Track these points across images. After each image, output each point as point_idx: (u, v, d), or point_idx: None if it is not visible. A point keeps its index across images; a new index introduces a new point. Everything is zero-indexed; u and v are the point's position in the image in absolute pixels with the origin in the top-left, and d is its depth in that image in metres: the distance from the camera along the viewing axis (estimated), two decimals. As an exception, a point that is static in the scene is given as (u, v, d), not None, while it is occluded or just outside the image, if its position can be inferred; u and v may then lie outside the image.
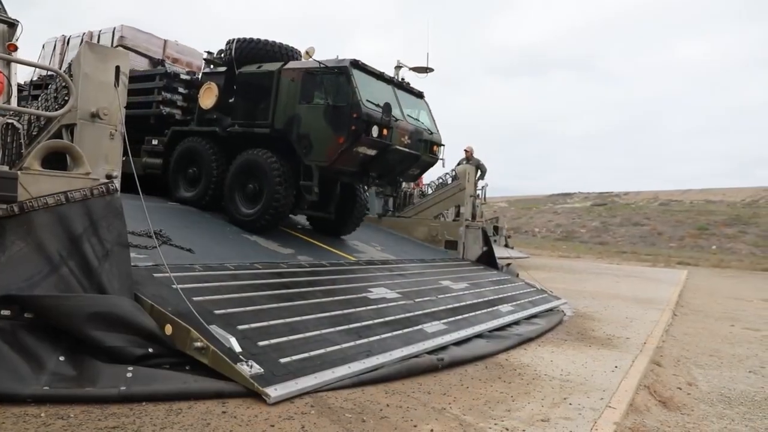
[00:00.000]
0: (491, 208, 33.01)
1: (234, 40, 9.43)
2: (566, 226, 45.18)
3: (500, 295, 9.13)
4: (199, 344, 4.42)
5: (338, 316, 5.90)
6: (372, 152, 8.30)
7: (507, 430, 4.15)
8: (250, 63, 9.25)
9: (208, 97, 9.49)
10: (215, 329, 4.61)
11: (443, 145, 9.80)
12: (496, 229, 18.68)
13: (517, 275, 11.76)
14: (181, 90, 10.50)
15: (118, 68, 5.42)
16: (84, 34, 12.07)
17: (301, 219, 11.07)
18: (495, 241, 16.15)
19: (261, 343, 4.71)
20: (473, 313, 7.49)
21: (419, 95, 9.76)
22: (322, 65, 8.25)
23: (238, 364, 4.27)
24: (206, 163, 9.35)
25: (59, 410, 3.67)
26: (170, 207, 9.23)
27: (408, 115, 9.04)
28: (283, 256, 7.90)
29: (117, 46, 10.60)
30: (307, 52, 8.07)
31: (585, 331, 8.29)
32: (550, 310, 9.37)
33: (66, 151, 5.08)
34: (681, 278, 18.18)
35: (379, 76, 8.81)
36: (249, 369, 4.24)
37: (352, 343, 5.28)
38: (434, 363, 5.43)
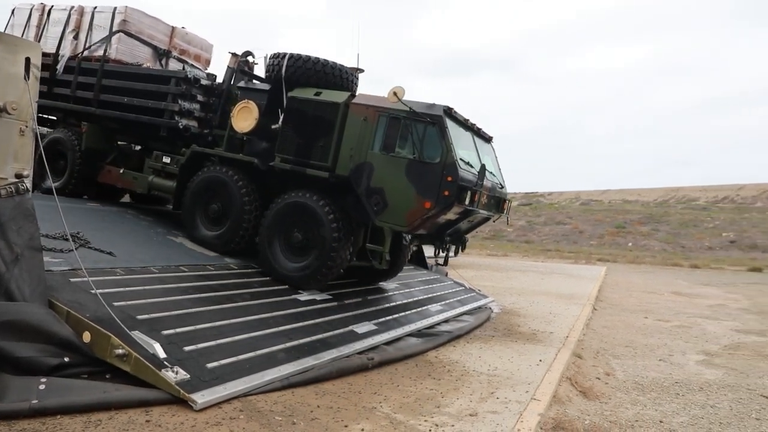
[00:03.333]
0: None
1: (285, 55, 7.94)
2: (493, 226, 46.50)
3: (430, 295, 9.28)
4: (120, 351, 4.23)
5: (268, 318, 5.81)
6: (455, 217, 7.16)
7: (437, 426, 4.23)
8: (302, 85, 7.83)
9: (244, 119, 7.95)
10: (138, 335, 4.43)
11: (510, 200, 8.55)
12: None
13: (446, 274, 11.98)
14: (199, 98, 8.90)
15: (28, 60, 5.08)
16: (72, 8, 10.13)
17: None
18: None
19: (187, 348, 4.57)
20: (403, 313, 7.58)
21: (489, 140, 8.40)
22: (411, 110, 6.86)
23: (163, 370, 4.12)
24: (236, 200, 7.78)
25: (-38, 428, 3.42)
26: (89, 208, 8.79)
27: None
28: (211, 258, 7.69)
29: (118, 31, 9.51)
30: (394, 93, 6.67)
31: (511, 327, 8.57)
32: (479, 308, 9.61)
33: (-30, 148, 4.73)
34: (600, 274, 19.10)
35: (464, 124, 7.48)
36: (174, 375, 4.11)
37: (281, 346, 5.21)
38: (365, 363, 5.46)
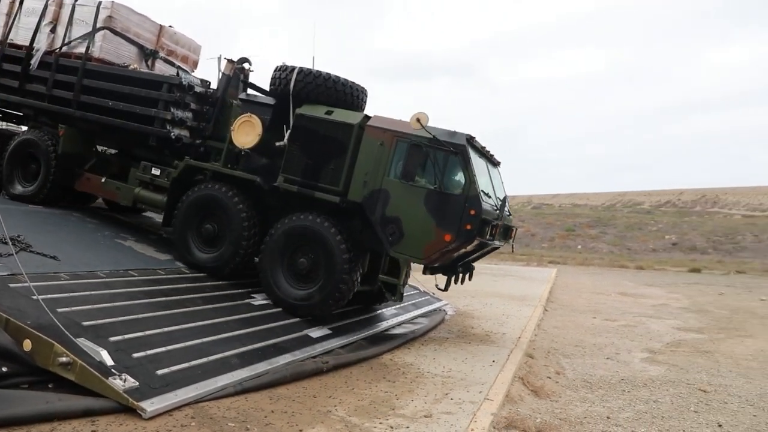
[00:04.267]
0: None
1: (294, 69, 7.40)
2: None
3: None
4: (64, 359, 4.07)
5: (221, 323, 5.71)
6: (471, 249, 6.94)
7: (392, 428, 4.25)
8: (311, 102, 7.35)
9: (246, 134, 7.37)
10: (83, 342, 4.27)
11: (516, 228, 8.25)
12: None
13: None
14: (192, 106, 8.20)
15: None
16: None
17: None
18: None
19: (136, 355, 4.44)
20: (358, 317, 7.57)
21: (497, 164, 8.07)
22: (434, 138, 6.53)
23: (110, 378, 3.99)
24: (234, 221, 7.23)
25: None
26: (31, 210, 8.42)
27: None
28: (161, 261, 7.50)
29: (102, 28, 8.78)
30: (417, 119, 6.32)
31: (465, 329, 8.69)
32: (433, 310, 9.70)
33: None
34: (551, 276, 19.58)
35: (480, 151, 7.15)
36: (122, 383, 3.98)
37: (234, 351, 5.13)
38: (319, 367, 5.43)
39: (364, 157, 6.85)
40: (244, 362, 5.01)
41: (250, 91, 8.75)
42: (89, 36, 8.76)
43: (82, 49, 8.82)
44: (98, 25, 8.76)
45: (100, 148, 9.76)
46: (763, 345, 9.17)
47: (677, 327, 10.83)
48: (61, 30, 9.04)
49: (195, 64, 10.41)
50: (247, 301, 6.78)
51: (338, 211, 6.90)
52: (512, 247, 8.24)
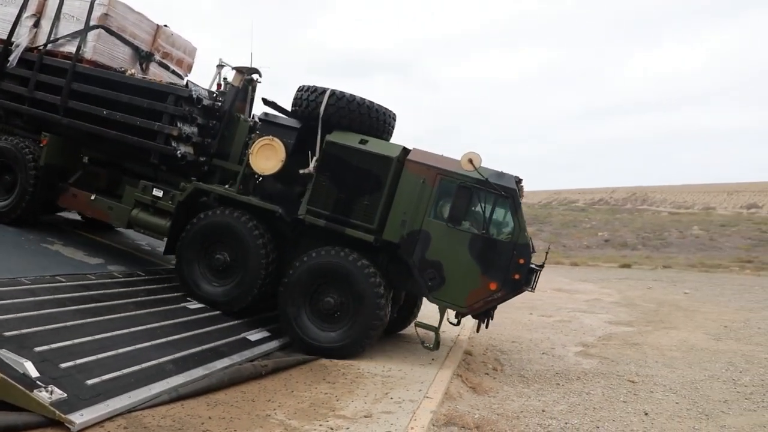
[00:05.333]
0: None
1: (326, 91, 6.79)
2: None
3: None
4: (-17, 373, 3.85)
5: (155, 329, 5.55)
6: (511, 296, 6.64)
7: (331, 429, 4.24)
8: (342, 128, 6.79)
9: (267, 158, 6.76)
10: (5, 354, 4.06)
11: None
12: None
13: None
14: (198, 120, 7.44)
15: None
16: None
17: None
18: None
19: (64, 365, 4.25)
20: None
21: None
22: (486, 181, 6.16)
23: (35, 391, 3.80)
24: (251, 253, 6.61)
25: None
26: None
27: None
28: (92, 266, 7.19)
29: (97, 27, 7.90)
30: (470, 160, 5.98)
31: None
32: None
33: None
34: (490, 273, 19.99)
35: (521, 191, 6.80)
36: (48, 395, 3.80)
37: (170, 357, 5.00)
38: (258, 370, 5.35)
39: (403, 194, 6.45)
40: (179, 368, 4.89)
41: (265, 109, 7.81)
42: (81, 34, 7.88)
43: (70, 48, 7.94)
44: (92, 22, 7.87)
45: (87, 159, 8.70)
46: (685, 335, 9.71)
47: (609, 321, 11.31)
48: (46, 24, 8.12)
49: (189, 68, 9.67)
50: (182, 304, 6.63)
51: (363, 244, 6.47)
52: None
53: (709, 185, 52.52)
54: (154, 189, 7.47)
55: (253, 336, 6.27)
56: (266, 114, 7.29)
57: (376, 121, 6.90)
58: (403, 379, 5.76)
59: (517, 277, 6.08)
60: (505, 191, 6.18)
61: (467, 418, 4.85)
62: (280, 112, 7.42)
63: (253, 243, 6.62)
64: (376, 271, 6.33)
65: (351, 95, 6.80)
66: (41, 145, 8.01)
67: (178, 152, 7.15)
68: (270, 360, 5.75)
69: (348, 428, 4.28)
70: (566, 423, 5.21)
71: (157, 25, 8.83)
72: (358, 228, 6.45)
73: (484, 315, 6.75)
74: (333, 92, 6.76)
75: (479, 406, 5.45)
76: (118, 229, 9.51)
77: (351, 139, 6.67)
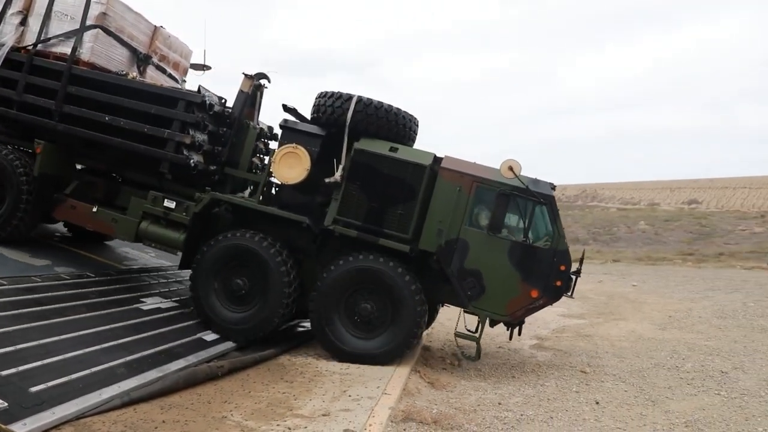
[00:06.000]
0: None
1: (352, 98, 6.61)
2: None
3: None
4: None
5: (105, 332, 5.39)
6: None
7: (289, 429, 4.21)
8: (369, 135, 6.63)
9: (291, 167, 6.54)
10: (-59, 362, 3.86)
11: None
12: None
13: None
14: (210, 127, 7.11)
15: None
16: None
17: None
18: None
19: (5, 373, 4.07)
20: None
21: None
22: (526, 188, 6.19)
23: (-26, 400, 3.63)
24: (273, 278, 6.33)
25: None
26: None
27: None
28: (37, 268, 6.90)
29: (95, 27, 7.37)
30: (510, 168, 5.96)
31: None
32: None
33: None
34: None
35: None
36: (-11, 404, 3.63)
37: (121, 360, 4.87)
38: (214, 371, 5.26)
39: (438, 202, 6.38)
40: (132, 371, 4.78)
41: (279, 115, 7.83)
42: (77, 34, 7.38)
43: (63, 49, 7.44)
44: (89, 22, 7.41)
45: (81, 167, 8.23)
46: (633, 326, 10.05)
47: (562, 314, 11.59)
48: (33, 23, 7.57)
49: (185, 72, 9.21)
50: (135, 306, 6.48)
51: (392, 252, 6.37)
52: None
53: (653, 182, 54.57)
54: (166, 200, 7.02)
55: (209, 336, 6.17)
56: (286, 120, 7.04)
57: (403, 127, 6.79)
58: (361, 377, 5.76)
59: (558, 284, 6.17)
60: (544, 198, 6.23)
61: (425, 413, 4.89)
62: (297, 118, 7.22)
63: (275, 267, 6.36)
64: (417, 280, 6.29)
65: (378, 102, 6.66)
66: (36, 152, 7.40)
67: (192, 161, 6.80)
68: (226, 360, 5.66)
69: (306, 427, 4.26)
70: (522, 414, 5.31)
71: (155, 26, 8.41)
72: (392, 238, 6.37)
73: (517, 321, 6.75)
74: (360, 98, 6.61)
75: (437, 401, 5.50)
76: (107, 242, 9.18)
77: (380, 147, 6.57)
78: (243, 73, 7.34)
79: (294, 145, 6.62)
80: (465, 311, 7.04)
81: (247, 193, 7.57)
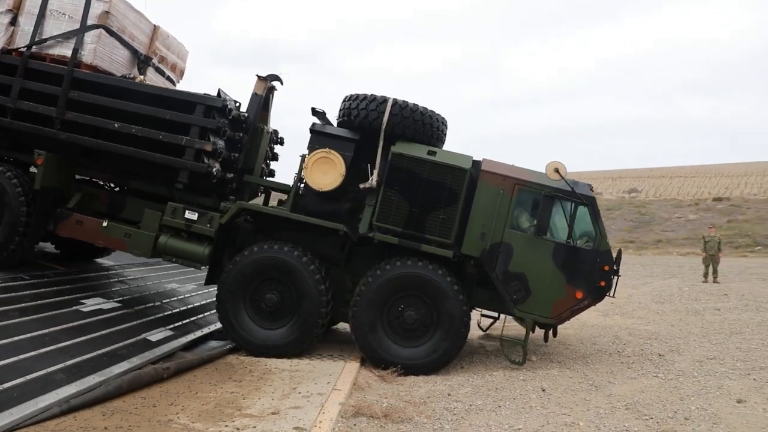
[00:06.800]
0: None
1: (387, 100, 6.40)
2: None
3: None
4: None
5: (43, 336, 5.17)
6: None
7: (238, 429, 4.15)
8: (405, 139, 6.49)
9: (325, 173, 6.33)
10: None
11: None
12: None
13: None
14: (228, 133, 6.74)
15: None
16: None
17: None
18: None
19: (-69, 383, 3.86)
20: (202, 315, 7.30)
21: None
22: (572, 191, 6.18)
23: None
24: (309, 292, 6.17)
25: None
26: None
27: None
28: (-35, 272, 6.57)
29: (98, 27, 6.87)
30: (555, 170, 5.92)
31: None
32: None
33: None
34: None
35: None
36: None
37: (60, 366, 4.67)
38: (159, 373, 5.13)
39: (480, 206, 6.32)
40: (71, 377, 4.59)
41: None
42: (78, 35, 6.89)
43: (61, 50, 6.97)
44: (90, 21, 6.93)
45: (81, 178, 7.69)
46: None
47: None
48: (25, 23, 7.04)
49: (182, 74, 8.83)
50: (75, 308, 6.24)
51: (433, 257, 6.30)
52: None
53: (596, 172, 56.47)
54: (187, 211, 6.62)
55: (154, 336, 6.01)
56: (315, 124, 6.80)
57: (436, 130, 6.69)
58: (311, 373, 5.74)
59: (603, 284, 6.23)
60: (586, 199, 6.27)
61: (375, 408, 4.91)
62: (323, 121, 7.00)
63: (311, 281, 6.18)
64: (459, 283, 6.27)
65: (414, 104, 6.52)
66: (37, 164, 6.89)
67: (213, 169, 6.48)
68: (172, 361, 5.52)
69: (255, 427, 4.21)
70: (471, 405, 5.40)
71: (154, 25, 8.03)
72: (434, 243, 6.30)
73: (553, 323, 6.79)
74: (396, 101, 6.46)
75: (387, 395, 5.54)
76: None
77: (418, 150, 6.46)
78: (256, 75, 7.08)
79: (327, 149, 6.44)
80: (482, 314, 7.21)
81: (259, 200, 7.36)
